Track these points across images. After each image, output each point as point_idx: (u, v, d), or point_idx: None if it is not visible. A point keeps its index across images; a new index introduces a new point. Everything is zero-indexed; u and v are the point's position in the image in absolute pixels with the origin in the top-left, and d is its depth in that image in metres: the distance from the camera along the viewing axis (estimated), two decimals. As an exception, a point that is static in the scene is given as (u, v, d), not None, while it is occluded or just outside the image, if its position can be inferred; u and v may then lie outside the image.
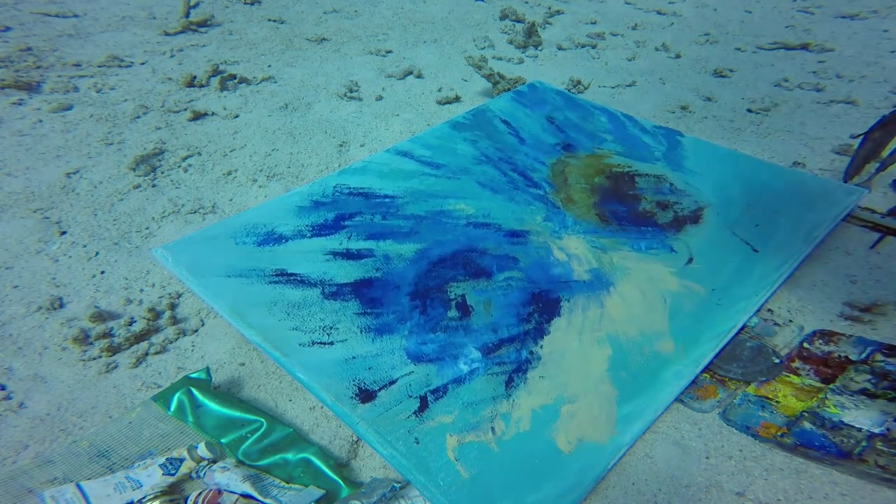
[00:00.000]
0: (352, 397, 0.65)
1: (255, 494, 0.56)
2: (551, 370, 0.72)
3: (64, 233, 0.95)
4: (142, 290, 0.86)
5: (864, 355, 0.74)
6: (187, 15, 1.73)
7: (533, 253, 0.88)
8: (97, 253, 0.92)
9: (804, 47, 1.79)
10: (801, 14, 2.11)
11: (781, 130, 1.36)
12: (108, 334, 0.78)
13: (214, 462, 0.61)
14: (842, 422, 0.66)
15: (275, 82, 1.47)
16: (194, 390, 0.68)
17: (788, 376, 0.73)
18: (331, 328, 0.72)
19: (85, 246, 0.93)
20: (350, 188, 0.94)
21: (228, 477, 0.58)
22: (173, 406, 0.67)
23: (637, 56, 1.75)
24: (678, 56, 1.75)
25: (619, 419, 0.67)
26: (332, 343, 0.70)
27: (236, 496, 0.57)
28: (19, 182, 1.05)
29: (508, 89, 1.39)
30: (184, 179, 1.10)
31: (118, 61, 1.47)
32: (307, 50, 1.66)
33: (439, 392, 0.67)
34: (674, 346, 0.76)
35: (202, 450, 0.61)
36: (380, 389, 0.66)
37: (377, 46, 1.70)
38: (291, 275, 0.78)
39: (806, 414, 0.67)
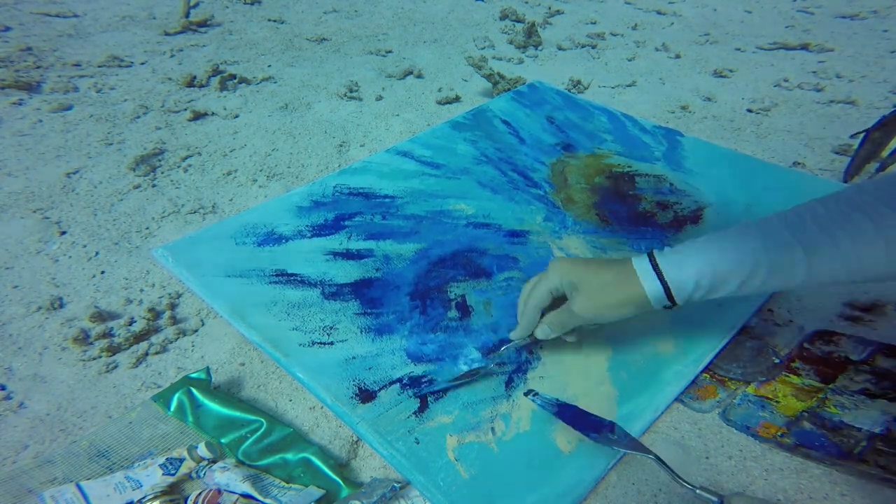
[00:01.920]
0: (352, 397, 0.65)
1: (255, 494, 0.56)
2: (551, 370, 0.72)
3: (64, 233, 0.95)
4: (142, 290, 0.86)
5: (864, 355, 0.74)
6: (187, 15, 1.73)
7: (533, 253, 0.88)
8: (97, 253, 0.92)
9: (804, 47, 1.79)
10: (801, 14, 2.11)
11: (781, 130, 1.36)
12: (108, 334, 0.78)
13: (214, 462, 0.61)
14: (842, 422, 0.65)
15: (275, 82, 1.47)
16: (194, 390, 0.68)
17: (788, 376, 0.73)
18: (331, 328, 0.72)
19: (85, 246, 0.93)
20: (350, 188, 0.94)
21: (228, 477, 0.58)
22: (173, 406, 0.67)
23: (637, 56, 1.75)
24: (678, 56, 1.75)
25: (618, 419, 0.67)
26: (332, 343, 0.71)
27: (236, 496, 0.57)
28: (19, 182, 1.05)
29: (508, 89, 1.39)
30: (184, 179, 1.10)
31: (118, 61, 1.47)
32: (307, 50, 1.66)
33: (439, 392, 0.67)
34: (674, 346, 0.76)
35: (202, 450, 0.61)
36: (380, 389, 0.66)
37: (377, 46, 1.70)
38: (291, 275, 0.78)
39: (806, 414, 0.67)
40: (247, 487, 0.57)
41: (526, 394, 0.66)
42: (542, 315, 0.67)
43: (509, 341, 0.71)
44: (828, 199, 0.57)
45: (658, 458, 0.57)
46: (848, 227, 0.54)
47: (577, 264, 0.64)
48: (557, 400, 0.65)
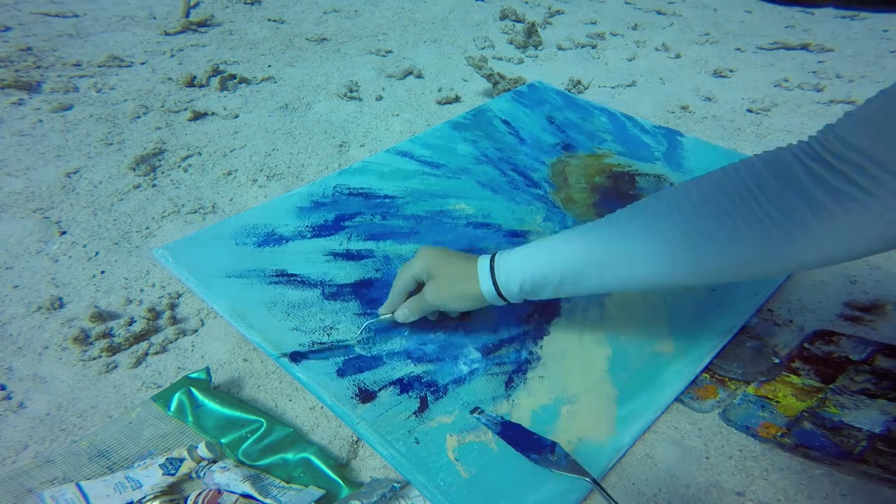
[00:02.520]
0: (352, 397, 0.65)
1: (255, 494, 0.56)
2: (551, 370, 0.72)
3: (64, 233, 0.95)
4: (142, 290, 0.86)
5: (864, 355, 0.74)
6: (187, 15, 1.73)
7: (533, 253, 0.88)
8: (97, 253, 0.92)
9: (804, 47, 1.79)
10: (801, 14, 2.11)
11: (781, 130, 1.36)
12: (108, 334, 0.78)
13: (214, 462, 0.61)
14: (842, 422, 0.65)
15: (275, 82, 1.47)
16: (194, 390, 0.68)
17: (788, 376, 0.73)
18: (331, 328, 0.72)
19: (85, 246, 0.93)
20: (350, 188, 0.94)
21: (228, 477, 0.58)
22: (173, 406, 0.67)
23: (637, 56, 1.75)
24: (678, 56, 1.75)
25: (618, 419, 0.67)
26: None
27: (236, 496, 0.57)
28: (19, 182, 1.05)
29: (508, 89, 1.39)
30: (184, 179, 1.10)
31: (118, 61, 1.47)
32: (307, 50, 1.66)
33: (439, 392, 0.67)
34: (674, 346, 0.76)
35: (202, 450, 0.61)
36: (380, 390, 0.66)
37: (377, 46, 1.70)
38: (292, 275, 0.78)
39: (806, 414, 0.67)
40: (247, 487, 0.57)
41: (472, 412, 0.66)
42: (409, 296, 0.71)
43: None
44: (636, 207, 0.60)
45: (595, 482, 0.58)
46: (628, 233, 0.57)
47: (438, 255, 0.68)
48: (502, 418, 0.65)
